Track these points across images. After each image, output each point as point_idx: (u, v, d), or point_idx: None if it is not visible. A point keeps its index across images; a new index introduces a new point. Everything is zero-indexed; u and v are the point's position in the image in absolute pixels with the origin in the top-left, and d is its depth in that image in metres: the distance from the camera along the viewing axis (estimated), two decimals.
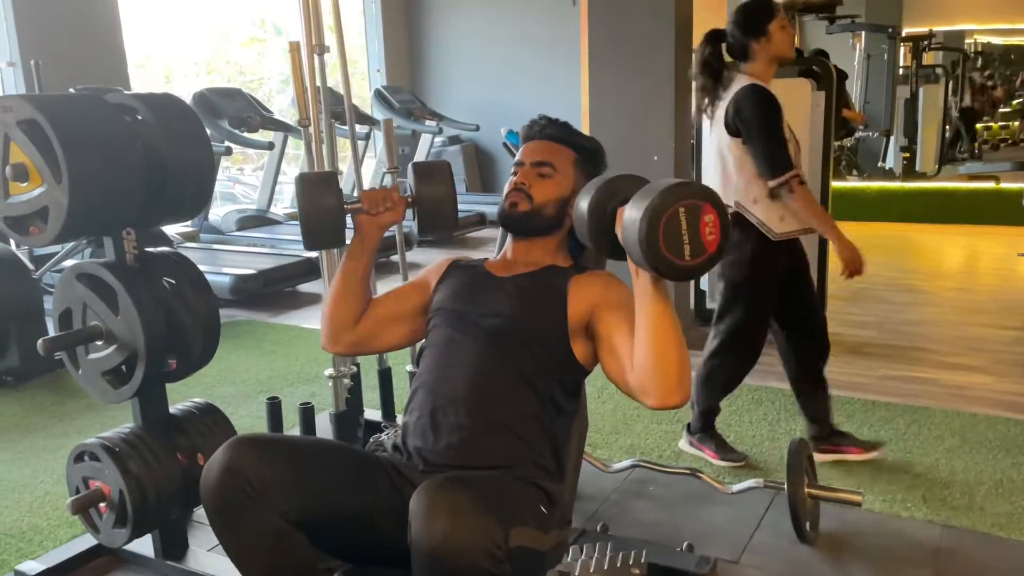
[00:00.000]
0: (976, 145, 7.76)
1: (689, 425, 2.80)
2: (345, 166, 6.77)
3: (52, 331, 1.96)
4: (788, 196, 2.47)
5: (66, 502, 1.95)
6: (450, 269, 1.76)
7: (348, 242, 1.71)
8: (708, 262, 1.30)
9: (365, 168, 7.29)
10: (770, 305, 2.64)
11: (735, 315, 2.63)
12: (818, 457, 2.58)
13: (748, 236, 2.53)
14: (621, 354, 1.47)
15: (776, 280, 2.61)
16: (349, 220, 1.66)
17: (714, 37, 2.58)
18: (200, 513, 2.22)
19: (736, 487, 2.37)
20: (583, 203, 1.46)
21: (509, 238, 1.77)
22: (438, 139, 7.97)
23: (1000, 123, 7.85)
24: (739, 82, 2.51)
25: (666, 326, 1.36)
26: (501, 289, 1.64)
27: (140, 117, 1.84)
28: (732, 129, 2.51)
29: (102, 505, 1.94)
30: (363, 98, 8.13)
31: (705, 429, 2.75)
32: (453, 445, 1.51)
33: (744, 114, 2.47)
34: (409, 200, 1.70)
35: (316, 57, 2.47)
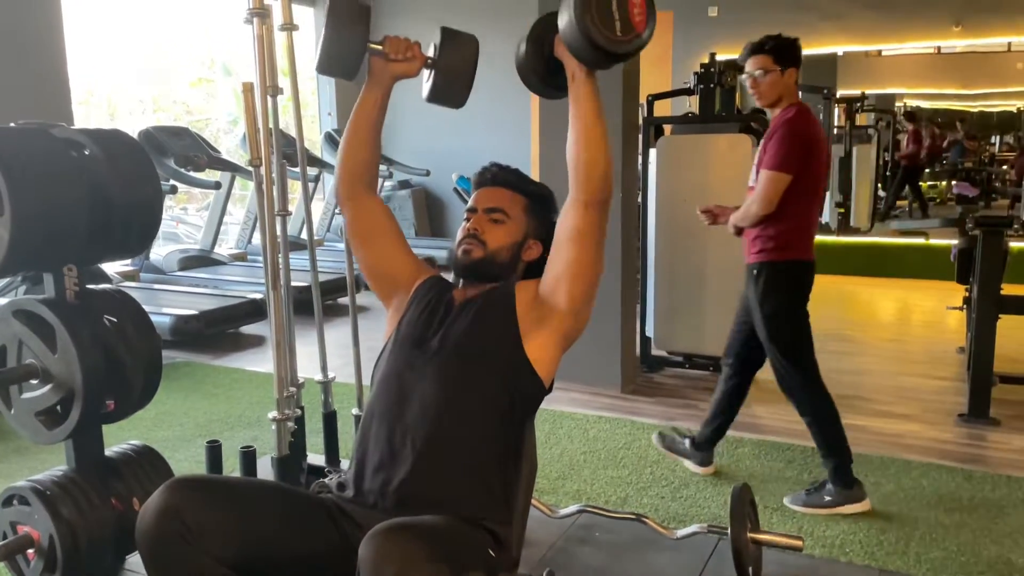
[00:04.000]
0: (913, 202, 8.11)
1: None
2: (294, 207, 6.72)
3: None
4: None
5: None
6: (426, 283, 1.77)
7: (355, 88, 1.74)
8: (637, 40, 1.43)
9: (314, 210, 7.25)
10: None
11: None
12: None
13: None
14: (562, 226, 1.59)
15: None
16: None
17: None
18: (133, 561, 2.13)
19: (680, 532, 2.39)
20: (521, 46, 1.63)
21: (462, 282, 1.78)
22: (388, 183, 7.99)
23: (929, 183, 8.23)
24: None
25: (596, 114, 1.53)
26: (457, 315, 1.66)
27: (87, 152, 1.82)
28: None
29: (30, 551, 1.86)
30: (313, 141, 8.12)
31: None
32: (404, 478, 1.49)
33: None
34: (429, 61, 1.71)
35: (269, 98, 2.48)
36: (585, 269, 1.58)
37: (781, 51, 2.72)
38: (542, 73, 1.63)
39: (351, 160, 1.75)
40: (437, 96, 1.74)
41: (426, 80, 1.75)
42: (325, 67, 1.65)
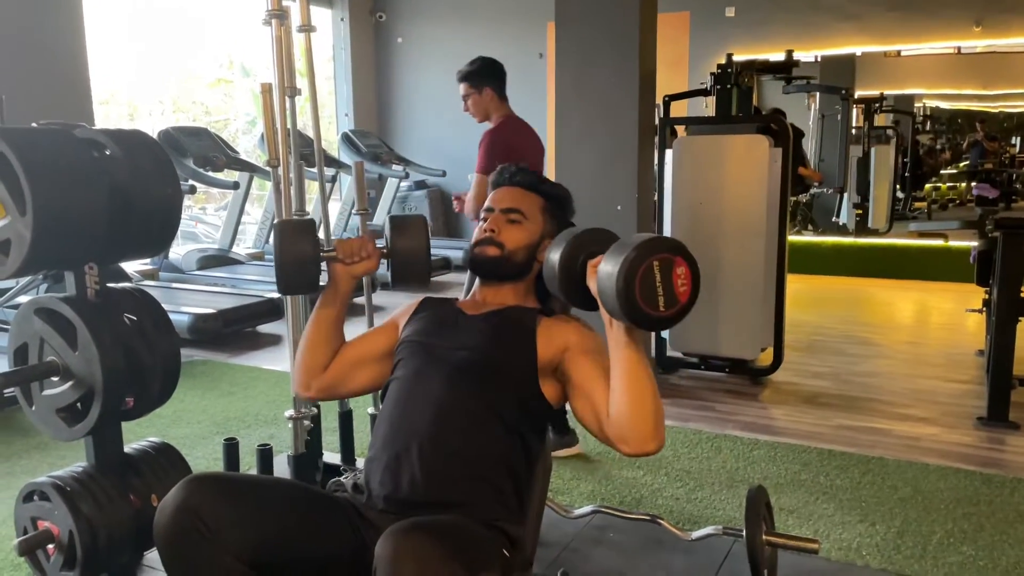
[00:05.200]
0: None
1: None
2: (312, 207, 6.75)
3: (5, 367, 1.92)
4: None
5: (13, 543, 1.89)
6: (421, 306, 1.77)
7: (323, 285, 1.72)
8: (680, 312, 1.35)
9: (331, 210, 7.29)
10: None
11: None
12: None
13: None
14: (597, 401, 1.48)
15: None
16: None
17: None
18: (151, 557, 2.16)
19: (695, 534, 2.38)
20: (554, 256, 1.50)
21: (477, 282, 1.79)
22: (404, 183, 8.02)
23: (948, 184, 8.15)
24: None
25: (642, 374, 1.39)
26: (470, 325, 1.66)
27: (108, 152, 1.84)
28: None
29: (50, 547, 1.88)
30: (330, 142, 8.16)
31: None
32: (416, 482, 1.50)
33: None
34: (384, 251, 1.72)
35: (287, 99, 2.49)
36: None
37: (472, 76, 3.33)
38: (570, 296, 1.53)
39: (310, 367, 1.73)
40: (402, 280, 1.74)
41: (387, 269, 1.76)
42: (287, 288, 1.67)
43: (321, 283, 1.72)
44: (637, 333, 1.41)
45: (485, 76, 3.33)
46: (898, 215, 7.79)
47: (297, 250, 1.63)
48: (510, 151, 3.13)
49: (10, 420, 3.59)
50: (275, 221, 1.67)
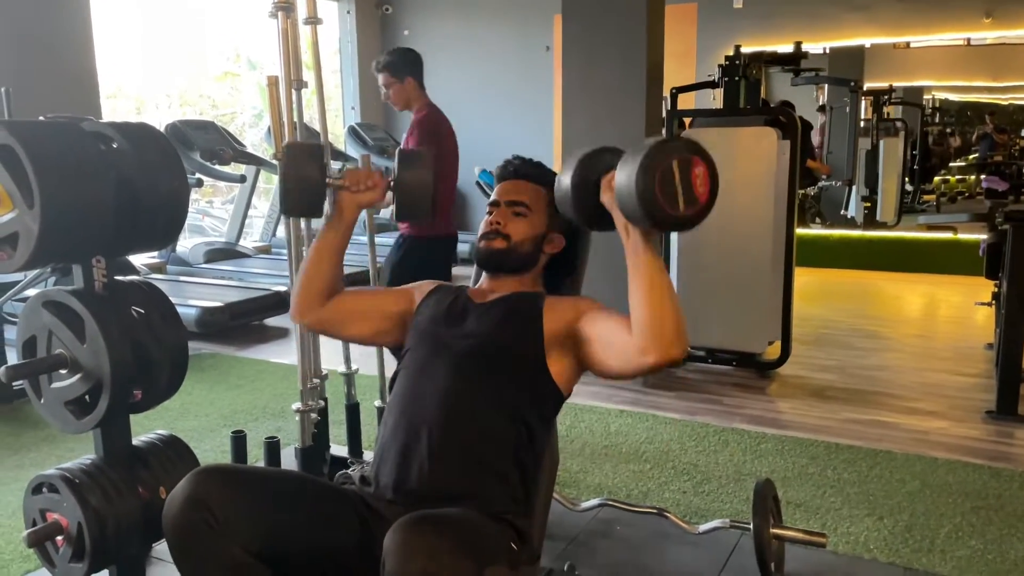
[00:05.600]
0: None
1: None
2: None
3: (14, 359, 1.93)
4: None
5: (22, 535, 1.90)
6: (435, 291, 1.77)
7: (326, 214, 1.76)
8: (700, 213, 1.35)
9: None
10: None
11: None
12: None
13: None
14: (620, 338, 1.45)
15: None
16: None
17: None
18: (160, 549, 2.17)
19: (702, 527, 2.38)
20: (566, 178, 1.52)
21: (484, 274, 1.79)
22: None
23: (957, 176, 8.10)
24: None
25: (661, 278, 1.40)
26: (477, 314, 1.66)
27: (115, 146, 1.84)
28: None
29: (59, 538, 1.89)
30: (336, 134, 8.16)
31: None
32: (424, 473, 1.50)
33: None
34: (390, 183, 1.73)
35: (294, 92, 2.49)
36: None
37: (394, 66, 3.39)
38: (587, 217, 1.54)
39: (311, 290, 1.74)
40: (405, 213, 1.77)
41: (391, 202, 1.78)
42: (291, 211, 1.70)
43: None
44: (653, 239, 1.42)
45: (406, 66, 3.41)
46: (907, 208, 7.74)
47: (304, 173, 1.65)
48: (442, 139, 3.33)
49: (19, 412, 3.61)
50: (285, 143, 1.68)
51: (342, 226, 1.72)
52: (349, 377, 2.88)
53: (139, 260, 5.65)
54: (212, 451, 3.21)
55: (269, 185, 7.97)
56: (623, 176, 1.35)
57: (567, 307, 1.62)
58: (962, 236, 6.91)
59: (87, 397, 1.87)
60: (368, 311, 1.78)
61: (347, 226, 1.73)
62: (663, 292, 1.39)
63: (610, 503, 2.50)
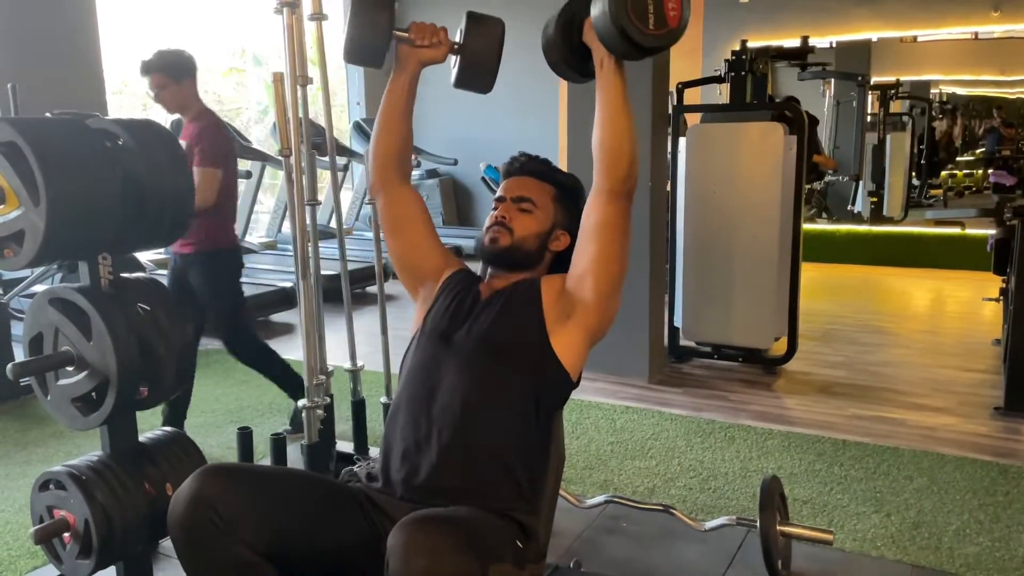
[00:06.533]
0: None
1: None
2: (324, 196, 6.77)
3: (20, 357, 1.93)
4: None
5: (29, 531, 1.90)
6: (455, 276, 1.77)
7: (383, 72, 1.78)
8: (668, 35, 1.44)
9: (343, 199, 7.30)
10: None
11: None
12: None
13: None
14: (588, 209, 1.60)
15: None
16: None
17: None
18: (166, 545, 2.17)
19: (709, 524, 2.38)
20: (549, 28, 1.63)
21: (489, 270, 1.78)
22: (416, 172, 8.01)
23: (964, 171, 8.06)
24: None
25: (624, 102, 1.54)
26: (483, 308, 1.66)
27: (121, 142, 1.84)
28: None
29: (66, 535, 1.89)
30: (342, 130, 8.16)
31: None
32: (431, 470, 1.50)
33: None
34: (455, 47, 1.72)
35: (299, 88, 2.49)
36: (610, 263, 1.57)
37: (172, 67, 3.07)
38: (569, 58, 1.63)
39: (383, 147, 1.76)
40: (464, 81, 1.75)
41: (453, 66, 1.75)
42: (351, 56, 1.66)
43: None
44: (624, 71, 1.54)
45: (185, 68, 3.12)
46: (914, 203, 7.72)
47: (372, 19, 1.63)
48: (227, 142, 3.14)
49: (26, 409, 3.62)
50: None
51: (405, 75, 1.72)
52: (355, 373, 2.88)
53: (145, 256, 5.66)
54: (219, 447, 3.21)
55: (275, 181, 7.97)
56: (599, 4, 1.45)
57: (560, 278, 1.66)
58: (970, 231, 6.88)
59: (93, 394, 1.87)
60: (425, 231, 1.79)
61: (410, 77, 1.73)
62: (623, 114, 1.54)
63: (616, 500, 2.49)
